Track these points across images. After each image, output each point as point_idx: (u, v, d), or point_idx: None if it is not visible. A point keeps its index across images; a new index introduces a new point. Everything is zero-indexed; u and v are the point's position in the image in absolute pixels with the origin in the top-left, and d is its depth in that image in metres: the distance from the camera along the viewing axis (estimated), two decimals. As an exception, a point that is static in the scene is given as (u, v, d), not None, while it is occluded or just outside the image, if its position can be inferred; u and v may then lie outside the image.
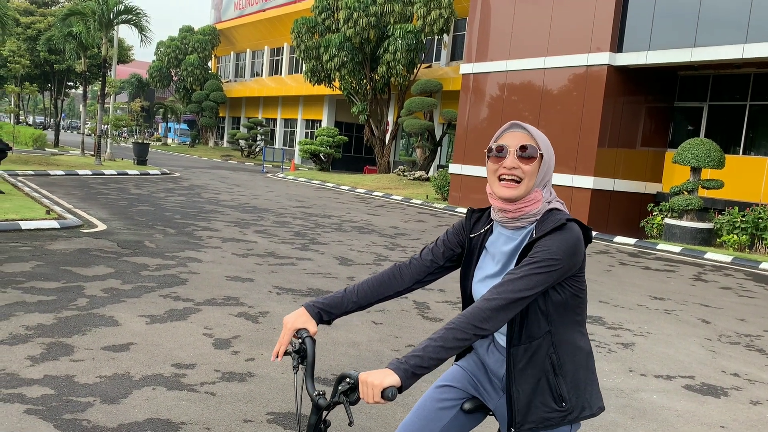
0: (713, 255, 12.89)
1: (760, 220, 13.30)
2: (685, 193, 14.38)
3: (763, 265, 12.11)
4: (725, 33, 13.81)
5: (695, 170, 14.27)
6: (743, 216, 13.59)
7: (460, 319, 1.70)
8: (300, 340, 1.87)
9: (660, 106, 16.86)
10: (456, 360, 2.12)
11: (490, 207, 2.03)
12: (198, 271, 7.41)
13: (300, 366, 1.85)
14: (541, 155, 1.85)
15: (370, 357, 4.94)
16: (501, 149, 1.86)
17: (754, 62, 14.41)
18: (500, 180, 1.86)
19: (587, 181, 15.53)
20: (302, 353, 1.85)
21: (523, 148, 1.84)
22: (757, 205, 13.96)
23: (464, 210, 18.27)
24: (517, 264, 1.82)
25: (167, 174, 22.94)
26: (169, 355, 4.62)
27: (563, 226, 1.78)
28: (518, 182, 1.84)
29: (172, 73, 49.01)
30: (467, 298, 2.02)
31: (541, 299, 1.82)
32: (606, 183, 15.88)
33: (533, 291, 1.73)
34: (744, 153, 15.94)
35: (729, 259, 12.60)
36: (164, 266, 7.53)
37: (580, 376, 1.88)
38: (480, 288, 1.94)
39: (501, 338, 1.98)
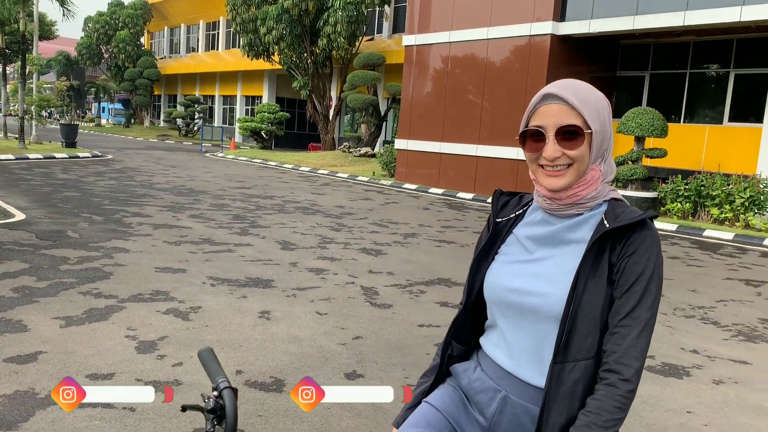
0: (658, 224, 12.93)
1: (703, 188, 13.42)
2: (630, 162, 14.38)
3: (706, 233, 12.22)
4: (667, 0, 13.73)
5: (639, 139, 14.26)
6: (686, 184, 13.69)
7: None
8: (216, 394, 1.34)
9: (603, 76, 16.80)
10: (425, 395, 1.63)
11: (519, 193, 1.63)
12: (124, 263, 6.79)
13: (216, 428, 1.31)
14: (591, 132, 1.41)
15: (314, 354, 4.51)
16: (536, 134, 1.42)
17: (693, 30, 14.43)
18: (543, 167, 1.44)
19: (533, 153, 15.36)
20: (219, 412, 1.32)
21: (564, 129, 1.39)
22: (699, 172, 14.09)
23: (413, 186, 17.94)
24: (584, 258, 1.39)
25: (99, 156, 21.76)
26: (84, 364, 4.07)
27: (648, 224, 1.41)
28: (568, 167, 1.42)
29: (103, 50, 46.77)
30: (473, 297, 1.57)
31: (609, 305, 1.39)
32: (552, 154, 15.76)
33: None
34: (684, 121, 16.08)
35: (674, 227, 12.67)
36: (87, 258, 6.88)
37: None
38: (503, 269, 1.51)
39: (497, 353, 1.51)
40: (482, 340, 1.60)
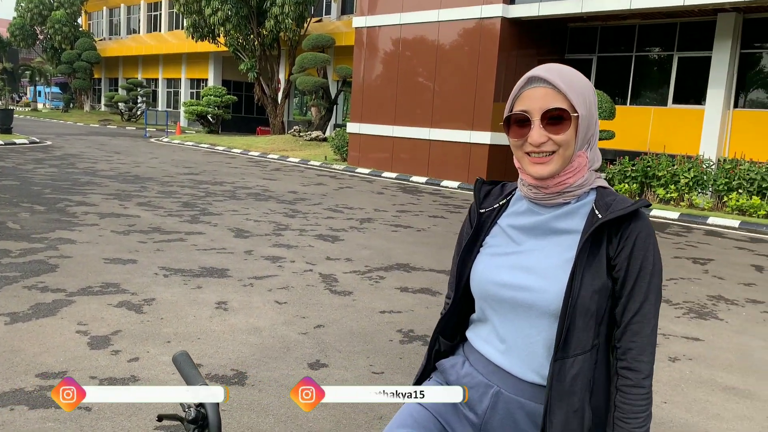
0: (607, 204, 13.23)
1: (649, 169, 13.78)
2: (579, 144, 14.63)
3: (653, 212, 12.56)
4: (613, -16, 13.95)
5: (587, 122, 14.52)
6: (633, 165, 14.03)
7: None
8: (197, 403, 1.24)
9: (552, 59, 16.99)
10: None
11: (502, 182, 1.59)
12: (71, 255, 6.51)
13: None
14: (577, 116, 1.37)
15: (275, 344, 4.41)
16: (522, 119, 1.37)
17: (639, 13, 14.73)
18: (528, 154, 1.39)
19: (485, 137, 15.47)
20: (201, 422, 1.22)
21: (549, 114, 1.35)
22: (645, 154, 14.46)
23: (366, 170, 17.85)
24: (580, 252, 1.36)
25: (37, 143, 20.87)
26: (33, 363, 3.87)
27: (642, 215, 1.39)
28: (553, 154, 1.38)
29: (37, 32, 44.71)
30: (460, 292, 1.53)
31: (605, 297, 1.38)
32: (503, 138, 15.84)
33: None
34: (631, 103, 16.45)
35: (622, 207, 12.99)
36: (30, 251, 6.56)
37: (603, 411, 1.41)
38: (490, 262, 1.46)
39: (487, 348, 1.47)
40: (470, 335, 1.56)
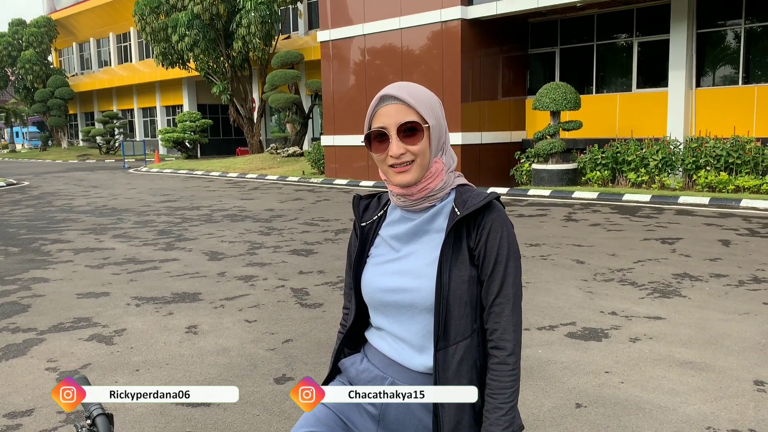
0: (580, 193, 13.41)
1: (619, 155, 13.97)
2: (548, 137, 14.82)
3: (625, 197, 12.74)
4: (566, -23, 14.15)
5: (555, 114, 14.71)
6: (603, 152, 14.22)
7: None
8: (89, 421, 1.33)
9: (515, 55, 17.22)
10: None
11: (378, 194, 1.71)
12: (43, 293, 6.56)
13: None
14: (428, 127, 1.51)
15: (243, 363, 4.49)
16: (380, 135, 1.50)
17: (595, 3, 14.97)
18: (392, 167, 1.52)
19: (455, 138, 15.62)
20: None
21: (404, 127, 1.48)
22: (614, 140, 14.65)
23: (343, 181, 17.95)
24: (444, 248, 1.49)
25: (14, 184, 20.83)
26: (1, 403, 3.93)
27: (494, 206, 1.52)
28: (412, 163, 1.51)
29: (8, 73, 44.66)
30: (357, 303, 1.65)
31: (474, 285, 1.49)
32: (473, 137, 16.07)
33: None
34: (597, 92, 16.67)
35: (595, 195, 13.16)
36: (2, 293, 6.60)
37: None
38: (375, 270, 1.58)
39: (382, 344, 1.58)
40: (367, 334, 1.68)
